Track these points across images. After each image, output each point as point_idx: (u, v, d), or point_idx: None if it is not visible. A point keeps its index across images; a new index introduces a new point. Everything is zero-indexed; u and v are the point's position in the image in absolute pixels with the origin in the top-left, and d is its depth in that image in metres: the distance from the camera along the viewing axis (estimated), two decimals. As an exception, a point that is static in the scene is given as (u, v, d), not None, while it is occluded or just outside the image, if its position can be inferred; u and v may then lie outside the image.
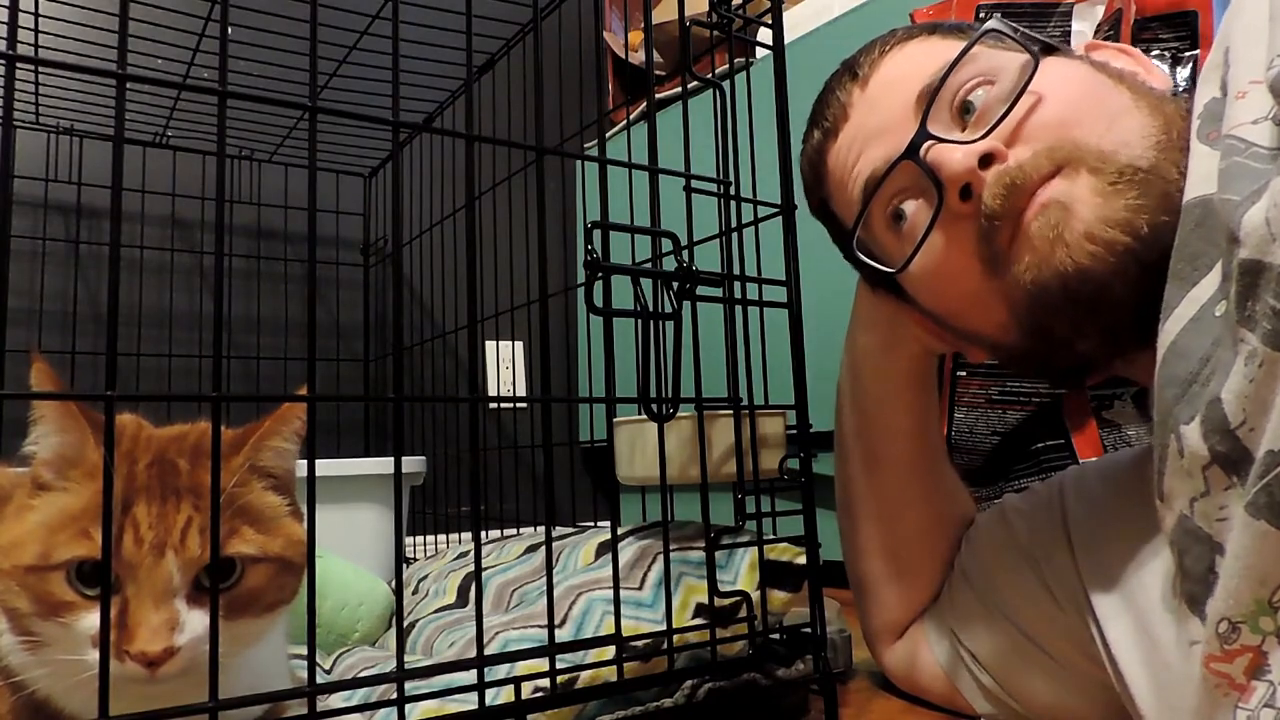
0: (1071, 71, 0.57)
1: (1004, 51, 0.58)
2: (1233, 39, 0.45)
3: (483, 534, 1.33)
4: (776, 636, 0.66)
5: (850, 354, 0.75)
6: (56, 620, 0.45)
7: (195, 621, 0.46)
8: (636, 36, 1.95)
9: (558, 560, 0.82)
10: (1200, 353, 0.44)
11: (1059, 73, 0.57)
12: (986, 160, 0.55)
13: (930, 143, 0.57)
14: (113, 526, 0.42)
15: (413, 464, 1.27)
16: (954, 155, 0.55)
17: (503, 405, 1.85)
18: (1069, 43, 0.94)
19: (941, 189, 0.56)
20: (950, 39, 0.62)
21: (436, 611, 0.87)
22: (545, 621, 0.58)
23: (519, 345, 1.87)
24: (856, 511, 0.76)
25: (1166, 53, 0.90)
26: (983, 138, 0.55)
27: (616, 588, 0.60)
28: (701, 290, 0.61)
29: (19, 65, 0.42)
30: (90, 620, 0.45)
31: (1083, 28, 0.97)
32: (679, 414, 0.60)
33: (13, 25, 0.44)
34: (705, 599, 0.65)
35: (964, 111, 0.58)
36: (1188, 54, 0.90)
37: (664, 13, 1.78)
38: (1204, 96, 0.47)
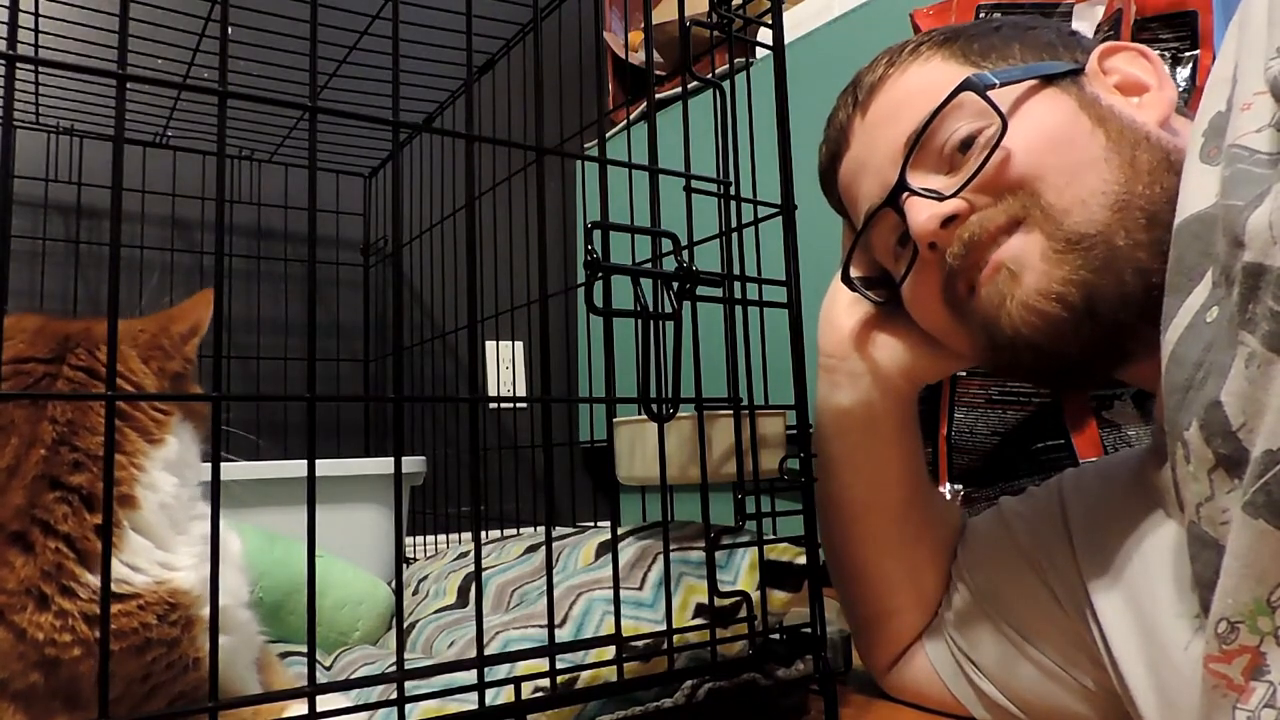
0: (1049, 117, 0.58)
1: (991, 92, 0.59)
2: (1240, 53, 0.45)
3: (483, 534, 1.33)
4: (776, 636, 0.66)
5: (831, 420, 0.72)
6: None
7: None
8: (636, 36, 1.95)
9: (558, 560, 0.82)
10: (1194, 358, 0.44)
11: (1035, 120, 0.58)
12: (950, 219, 0.59)
13: (907, 193, 0.61)
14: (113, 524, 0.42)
15: (413, 464, 1.27)
16: (920, 216, 0.60)
17: (503, 405, 1.85)
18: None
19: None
20: (952, 62, 0.63)
21: (437, 612, 0.87)
22: (545, 621, 0.58)
23: (519, 345, 1.87)
24: (856, 560, 0.74)
25: (1166, 53, 0.90)
26: (954, 194, 0.59)
27: (616, 588, 0.60)
28: (701, 290, 0.61)
29: (19, 65, 0.42)
30: None
31: (1082, 28, 0.97)
32: (679, 414, 0.60)
33: (13, 25, 0.44)
34: (705, 599, 0.65)
35: (956, 149, 0.61)
36: (1188, 54, 0.90)
37: (664, 13, 1.78)
38: (1209, 111, 0.48)
